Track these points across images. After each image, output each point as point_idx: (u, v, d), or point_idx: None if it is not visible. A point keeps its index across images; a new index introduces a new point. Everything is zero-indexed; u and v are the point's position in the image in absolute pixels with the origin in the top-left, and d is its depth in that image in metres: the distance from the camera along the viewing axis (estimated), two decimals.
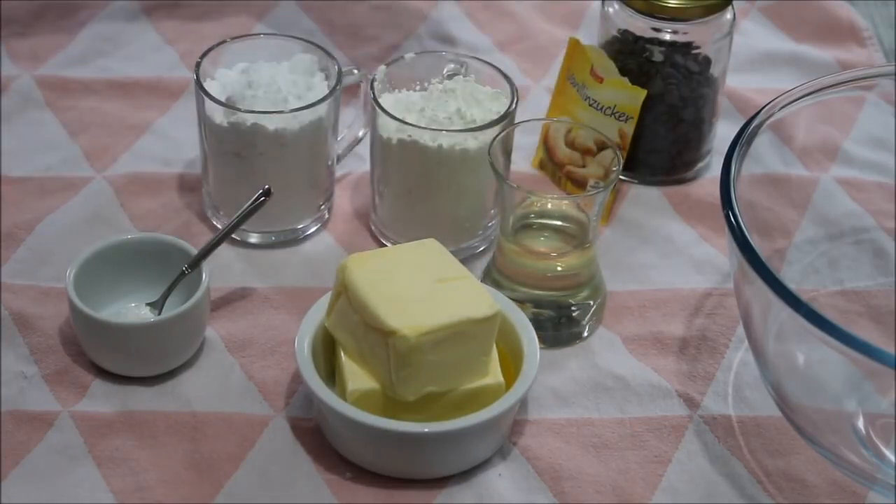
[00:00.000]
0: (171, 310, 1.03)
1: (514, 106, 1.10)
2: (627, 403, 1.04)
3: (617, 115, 1.16)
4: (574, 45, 1.19)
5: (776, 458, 1.01)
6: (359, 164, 1.22)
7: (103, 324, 1.01)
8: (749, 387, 1.06)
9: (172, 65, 1.32)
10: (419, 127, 1.09)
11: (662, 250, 1.17)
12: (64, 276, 1.03)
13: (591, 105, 1.17)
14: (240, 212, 1.08)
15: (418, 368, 0.96)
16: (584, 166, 1.14)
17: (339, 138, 1.17)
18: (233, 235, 1.12)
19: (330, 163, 1.15)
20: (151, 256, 1.06)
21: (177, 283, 1.05)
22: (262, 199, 1.08)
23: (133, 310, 1.06)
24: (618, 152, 1.06)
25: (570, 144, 1.15)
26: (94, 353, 1.03)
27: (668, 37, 1.17)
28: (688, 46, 1.17)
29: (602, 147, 1.11)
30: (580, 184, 1.15)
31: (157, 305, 1.05)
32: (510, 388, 0.98)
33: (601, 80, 1.16)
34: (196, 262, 1.05)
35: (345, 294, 0.98)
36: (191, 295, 1.03)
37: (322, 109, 1.11)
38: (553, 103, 1.22)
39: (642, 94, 1.15)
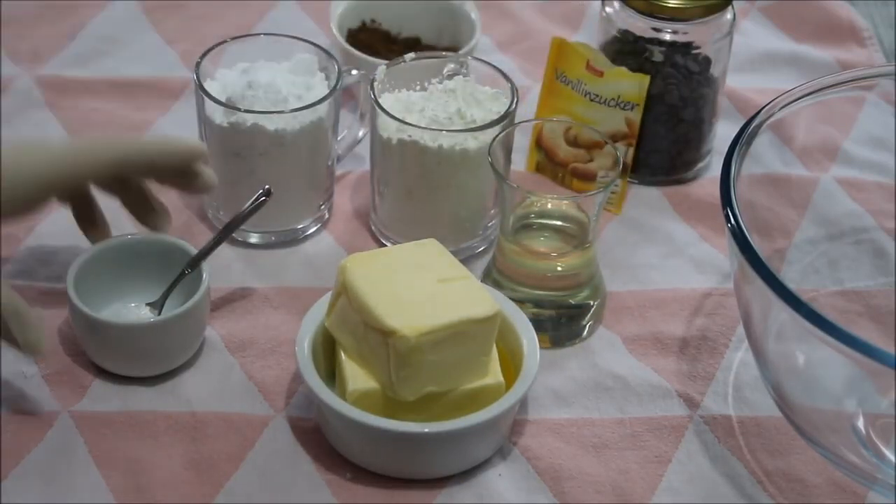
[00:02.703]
0: (171, 310, 1.03)
1: (514, 106, 1.10)
2: (627, 403, 1.04)
3: (622, 104, 1.16)
4: (560, 44, 1.18)
5: (776, 458, 1.01)
6: (359, 164, 1.22)
7: (103, 324, 1.01)
8: (749, 387, 1.06)
9: (172, 65, 1.32)
10: (419, 127, 1.09)
11: (662, 250, 1.17)
12: (64, 276, 1.03)
13: (592, 100, 1.17)
14: (240, 212, 1.08)
15: (418, 368, 0.96)
16: (591, 160, 1.14)
17: (339, 138, 1.17)
18: (233, 235, 1.11)
19: (330, 163, 1.15)
20: (151, 256, 1.06)
21: (177, 284, 1.05)
22: (263, 199, 1.08)
23: (133, 310, 1.06)
24: (617, 148, 1.06)
25: (573, 142, 1.15)
26: (94, 353, 1.03)
27: (668, 37, 1.17)
28: (688, 46, 1.17)
29: (612, 139, 1.11)
30: (589, 178, 1.15)
31: (156, 305, 1.05)
32: (510, 388, 0.98)
33: (601, 74, 1.16)
34: (196, 262, 1.05)
35: (345, 294, 0.98)
36: (191, 295, 1.03)
37: (322, 109, 1.11)
38: (542, 105, 1.21)
39: (646, 80, 1.15)
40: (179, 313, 1.02)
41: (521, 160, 1.20)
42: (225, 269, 1.12)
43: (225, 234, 1.07)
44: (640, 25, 1.17)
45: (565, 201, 1.09)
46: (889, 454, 1.00)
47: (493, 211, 1.14)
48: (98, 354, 1.03)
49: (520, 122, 1.11)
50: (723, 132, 1.23)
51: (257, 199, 1.08)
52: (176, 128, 1.25)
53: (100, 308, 1.04)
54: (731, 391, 1.06)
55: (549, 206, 1.08)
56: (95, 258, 1.05)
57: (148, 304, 1.06)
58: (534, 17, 1.41)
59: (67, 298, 1.02)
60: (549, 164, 1.18)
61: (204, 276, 1.04)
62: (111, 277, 1.05)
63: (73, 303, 1.01)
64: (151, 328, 1.02)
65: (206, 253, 1.06)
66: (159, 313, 1.05)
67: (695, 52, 1.18)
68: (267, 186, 1.08)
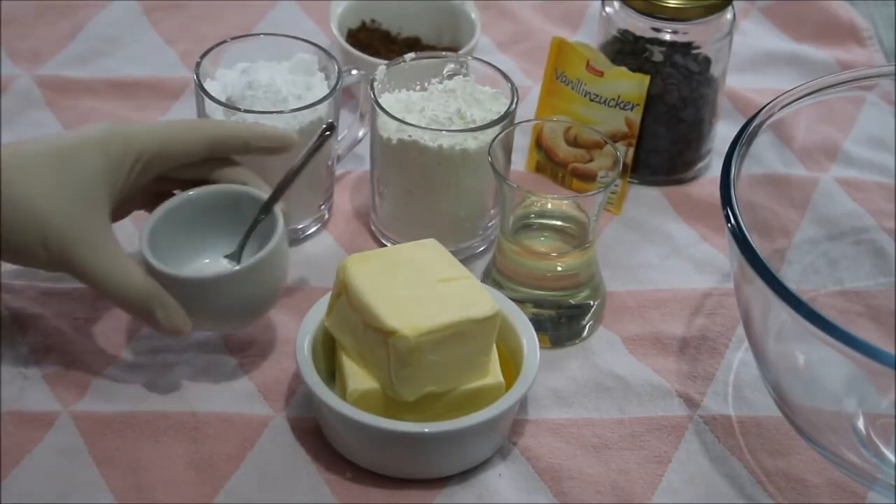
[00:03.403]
0: (249, 259, 1.01)
1: (514, 106, 1.10)
2: (627, 403, 1.04)
3: (622, 105, 1.16)
4: (560, 44, 1.18)
5: (776, 458, 1.01)
6: (359, 164, 1.22)
7: (190, 281, 0.99)
8: (749, 387, 1.06)
9: (172, 65, 1.32)
10: (419, 127, 1.09)
11: (662, 250, 1.17)
12: (63, 277, 1.03)
13: (592, 100, 1.17)
14: (306, 150, 1.06)
15: (418, 368, 0.96)
16: (591, 160, 1.14)
17: (339, 138, 1.17)
18: None
19: (330, 163, 1.15)
20: (220, 210, 1.04)
21: (252, 231, 1.04)
22: (328, 134, 1.06)
23: (211, 265, 1.04)
24: (617, 148, 1.06)
25: (573, 142, 1.15)
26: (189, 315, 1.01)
27: (668, 37, 1.17)
28: (688, 46, 1.18)
29: (612, 139, 1.11)
30: (589, 178, 1.15)
31: (234, 257, 1.04)
32: (510, 388, 0.98)
33: (601, 74, 1.16)
34: (268, 207, 1.03)
35: (345, 294, 0.98)
36: (265, 242, 1.01)
37: (322, 109, 1.11)
38: (542, 104, 1.21)
39: (646, 80, 1.15)
40: (262, 257, 0.99)
41: (521, 160, 1.20)
42: None
43: (292, 175, 1.05)
44: (640, 25, 1.17)
45: (565, 201, 1.09)
46: (889, 454, 1.00)
47: (493, 211, 1.14)
48: (193, 316, 1.01)
49: (520, 122, 1.11)
50: (723, 132, 1.23)
51: (321, 134, 1.06)
52: None
53: (179, 267, 1.02)
54: (731, 391, 1.06)
55: (549, 206, 1.08)
56: (165, 218, 1.03)
57: (226, 257, 1.04)
58: (534, 17, 1.41)
59: (144, 263, 1.00)
60: (549, 164, 1.18)
61: (279, 218, 1.02)
62: (183, 236, 1.04)
63: (152, 265, 0.99)
64: (236, 277, 1.00)
65: (276, 196, 1.04)
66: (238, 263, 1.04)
67: (695, 52, 1.18)
68: (330, 121, 1.07)
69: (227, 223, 1.04)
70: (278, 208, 1.03)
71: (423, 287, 0.98)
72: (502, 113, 1.10)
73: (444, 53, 1.18)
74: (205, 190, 1.05)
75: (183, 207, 1.04)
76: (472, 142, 1.09)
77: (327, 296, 1.01)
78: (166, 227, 1.03)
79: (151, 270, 1.00)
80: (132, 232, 1.14)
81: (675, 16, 1.16)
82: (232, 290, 1.00)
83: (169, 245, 1.02)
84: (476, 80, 1.14)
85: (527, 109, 1.22)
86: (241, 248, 1.04)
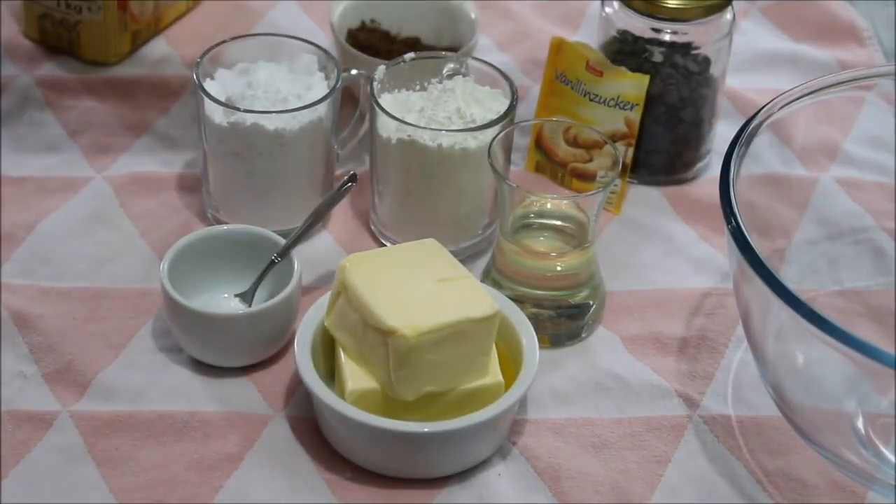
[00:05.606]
0: (261, 298, 1.04)
1: (513, 106, 1.10)
2: (627, 403, 1.05)
3: (622, 104, 1.16)
4: (559, 44, 1.18)
5: (776, 457, 1.01)
6: (359, 164, 1.22)
7: (197, 314, 1.02)
8: (749, 387, 1.06)
9: (173, 65, 1.32)
10: (419, 127, 1.09)
11: (662, 250, 1.17)
12: (64, 276, 1.03)
13: (592, 100, 1.17)
14: (326, 198, 1.09)
15: (417, 368, 0.96)
16: (591, 160, 1.14)
17: (338, 138, 1.17)
18: None
19: (330, 163, 1.15)
20: (241, 247, 1.07)
21: (266, 273, 1.06)
22: (349, 185, 1.09)
23: (225, 300, 1.06)
24: (617, 148, 1.06)
25: (573, 142, 1.15)
26: (185, 342, 1.04)
27: (667, 37, 1.17)
28: (687, 47, 1.18)
29: (611, 139, 1.11)
30: (588, 178, 1.15)
31: (246, 296, 1.06)
32: (510, 388, 0.98)
33: (601, 74, 1.16)
34: (285, 252, 1.06)
35: (344, 294, 0.99)
36: (278, 284, 1.04)
37: (322, 109, 1.11)
38: (541, 105, 1.21)
39: (645, 79, 1.15)
40: (274, 304, 1.02)
41: (520, 160, 1.20)
42: None
43: (312, 222, 1.08)
44: (640, 26, 1.17)
45: (565, 201, 1.09)
46: (888, 454, 1.00)
47: (492, 211, 1.14)
48: (190, 344, 1.04)
49: (520, 122, 1.11)
50: (723, 132, 1.23)
51: (343, 185, 1.09)
52: (176, 128, 1.25)
53: (192, 297, 1.04)
54: (731, 391, 1.06)
55: (549, 205, 1.08)
56: (188, 248, 1.05)
57: (237, 295, 1.06)
58: (534, 17, 1.41)
59: (161, 288, 1.03)
60: (548, 164, 1.18)
61: (295, 265, 1.04)
62: (203, 267, 1.06)
63: (168, 292, 1.02)
64: (245, 318, 1.02)
65: (294, 242, 1.06)
66: (249, 304, 1.05)
67: (694, 52, 1.18)
68: (352, 172, 1.09)
69: (245, 260, 1.07)
70: (295, 255, 1.05)
71: (422, 287, 0.98)
72: (502, 113, 1.10)
73: (443, 53, 1.18)
74: (226, 228, 1.08)
75: (205, 241, 1.06)
76: (472, 141, 1.09)
77: (327, 296, 1.02)
78: (187, 258, 1.05)
79: (167, 297, 1.02)
80: (131, 230, 1.14)
81: (675, 16, 1.16)
82: (241, 329, 1.03)
83: (185, 275, 1.04)
84: (476, 80, 1.14)
85: (526, 109, 1.22)
86: (254, 288, 1.06)
